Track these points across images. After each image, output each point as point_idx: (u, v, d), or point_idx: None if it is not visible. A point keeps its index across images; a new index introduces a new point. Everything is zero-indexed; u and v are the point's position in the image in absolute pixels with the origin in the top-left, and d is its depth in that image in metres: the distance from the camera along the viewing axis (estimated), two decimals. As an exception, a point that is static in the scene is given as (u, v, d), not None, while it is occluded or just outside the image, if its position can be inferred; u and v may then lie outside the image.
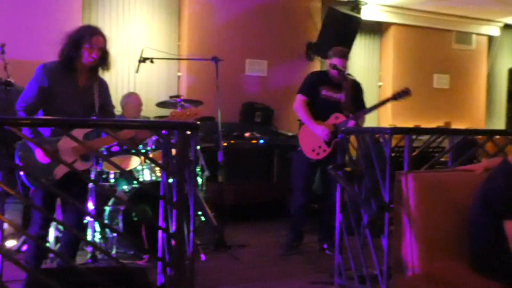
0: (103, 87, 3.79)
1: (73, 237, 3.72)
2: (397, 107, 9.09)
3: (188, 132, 2.66)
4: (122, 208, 4.61)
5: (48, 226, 3.79)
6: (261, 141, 6.87)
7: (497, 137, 4.19)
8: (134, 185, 4.85)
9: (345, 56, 4.96)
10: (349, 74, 5.05)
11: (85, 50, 3.55)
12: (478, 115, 9.90)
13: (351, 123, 4.78)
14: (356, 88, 5.07)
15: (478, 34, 9.77)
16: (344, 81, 4.92)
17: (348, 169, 4.06)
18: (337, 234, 3.92)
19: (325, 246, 5.09)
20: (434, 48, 9.41)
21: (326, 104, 4.97)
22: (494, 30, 9.85)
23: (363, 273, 3.72)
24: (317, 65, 8.18)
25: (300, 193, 5.04)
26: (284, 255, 4.96)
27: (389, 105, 9.05)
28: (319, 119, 4.94)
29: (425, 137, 4.49)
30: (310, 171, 5.05)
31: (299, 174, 5.06)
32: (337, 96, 4.97)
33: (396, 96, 4.76)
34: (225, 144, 6.24)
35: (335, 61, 4.91)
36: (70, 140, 3.42)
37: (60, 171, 3.52)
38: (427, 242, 2.99)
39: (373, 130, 4.54)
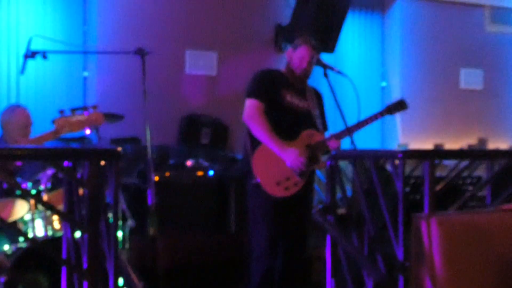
0: None
1: None
2: (409, 119, 9.22)
3: (103, 163, 2.64)
4: (2, 279, 4.53)
5: None
6: (211, 172, 6.86)
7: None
8: (20, 244, 4.77)
9: (316, 47, 4.98)
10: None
11: None
12: (525, 128, 10.14)
13: (333, 145, 4.80)
14: (318, 99, 5.13)
15: (521, 10, 10.04)
16: (305, 88, 4.98)
17: (341, 211, 4.09)
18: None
19: None
20: (460, 32, 9.61)
21: (292, 115, 4.92)
22: (543, 4, 10.15)
23: None
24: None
25: (264, 252, 4.80)
26: None
27: (397, 117, 9.19)
28: (281, 136, 4.83)
29: (452, 162, 4.55)
30: (277, 213, 4.83)
31: (260, 220, 4.86)
32: (304, 105, 4.97)
33: (391, 109, 4.86)
34: (156, 178, 6.22)
35: (300, 51, 4.95)
36: None
37: None
38: (461, 317, 3.02)
39: (378, 154, 4.58)
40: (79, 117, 4.01)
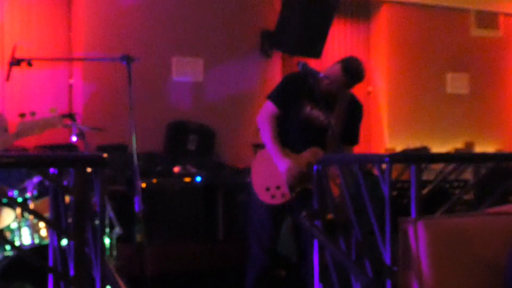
0: None
1: None
2: (396, 124, 9.23)
3: (90, 170, 2.63)
4: (-12, 288, 4.51)
5: None
6: (198, 178, 6.85)
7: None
8: (6, 253, 4.75)
9: (353, 78, 5.06)
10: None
11: None
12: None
13: (333, 171, 4.76)
14: (352, 110, 5.07)
15: (506, 14, 10.05)
16: (338, 97, 4.93)
17: (329, 216, 4.08)
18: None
19: None
20: (446, 36, 9.63)
21: (307, 128, 4.90)
22: (529, 8, 10.17)
23: None
24: (277, 63, 8.24)
25: (260, 251, 4.92)
26: None
27: (384, 122, 9.20)
28: (289, 146, 4.88)
29: (438, 166, 4.56)
30: (273, 217, 4.92)
31: (256, 221, 4.96)
32: (324, 120, 4.88)
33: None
34: (144, 185, 6.20)
35: (334, 73, 4.92)
36: None
37: None
38: (449, 321, 3.03)
39: (365, 158, 4.58)
40: (39, 121, 4.22)
